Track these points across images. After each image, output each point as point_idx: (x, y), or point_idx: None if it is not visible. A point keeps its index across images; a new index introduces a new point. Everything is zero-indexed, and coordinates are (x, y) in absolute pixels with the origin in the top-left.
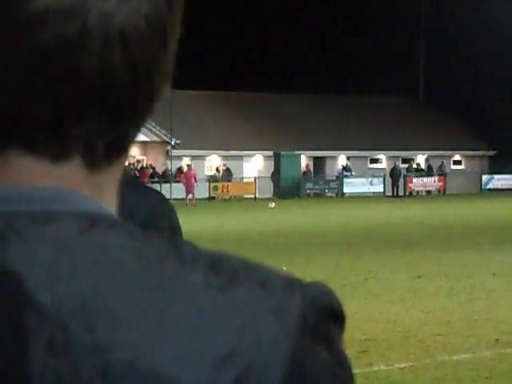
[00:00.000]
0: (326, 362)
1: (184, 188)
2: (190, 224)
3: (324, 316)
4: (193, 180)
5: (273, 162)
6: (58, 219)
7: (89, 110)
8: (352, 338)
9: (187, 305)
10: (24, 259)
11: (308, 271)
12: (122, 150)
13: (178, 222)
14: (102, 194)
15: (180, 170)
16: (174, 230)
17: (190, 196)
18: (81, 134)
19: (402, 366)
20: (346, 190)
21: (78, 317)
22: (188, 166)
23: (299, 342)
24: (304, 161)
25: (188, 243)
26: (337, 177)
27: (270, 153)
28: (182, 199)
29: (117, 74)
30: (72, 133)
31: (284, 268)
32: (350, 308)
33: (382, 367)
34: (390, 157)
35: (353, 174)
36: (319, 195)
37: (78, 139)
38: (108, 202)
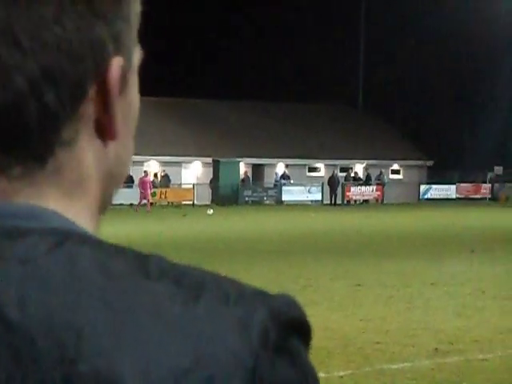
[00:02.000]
0: (288, 376)
1: (139, 194)
2: (130, 230)
3: (288, 329)
4: (148, 186)
5: (211, 169)
6: (29, 236)
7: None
8: None
9: (150, 318)
10: None
11: (247, 278)
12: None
13: None
14: (72, 206)
15: None
16: None
17: (144, 202)
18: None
19: (341, 373)
20: (284, 197)
21: (45, 330)
22: (144, 172)
23: (261, 356)
24: (243, 168)
25: (157, 257)
26: (275, 184)
27: (209, 159)
28: (121, 205)
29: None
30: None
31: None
32: None
33: (322, 374)
34: (329, 165)
35: (291, 181)
36: (258, 203)
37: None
38: (81, 215)
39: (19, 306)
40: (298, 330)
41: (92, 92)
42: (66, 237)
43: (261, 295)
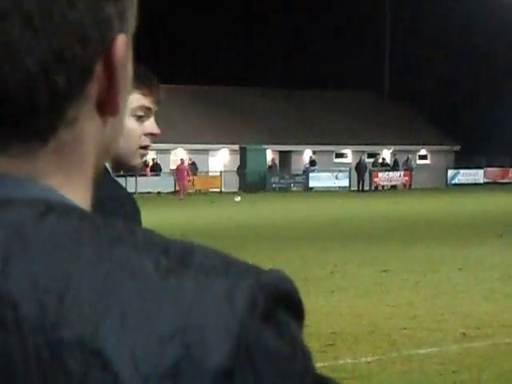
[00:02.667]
0: (274, 346)
1: (175, 181)
2: (157, 218)
3: (276, 301)
4: (184, 174)
5: (239, 156)
6: (14, 205)
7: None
8: (318, 332)
9: (135, 286)
10: None
11: (274, 265)
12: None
13: (135, 210)
14: (69, 183)
15: (145, 163)
16: (130, 217)
17: (183, 190)
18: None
19: (368, 359)
20: (311, 184)
21: (28, 296)
22: (181, 160)
23: (247, 324)
24: (270, 155)
25: (144, 229)
26: (304, 171)
27: (236, 147)
28: (148, 193)
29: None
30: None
31: (249, 262)
32: (316, 302)
33: (349, 360)
34: (356, 151)
35: (317, 168)
36: (285, 189)
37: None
38: (77, 192)
39: (2, 271)
40: (288, 304)
41: (98, 70)
42: (53, 207)
43: (251, 268)
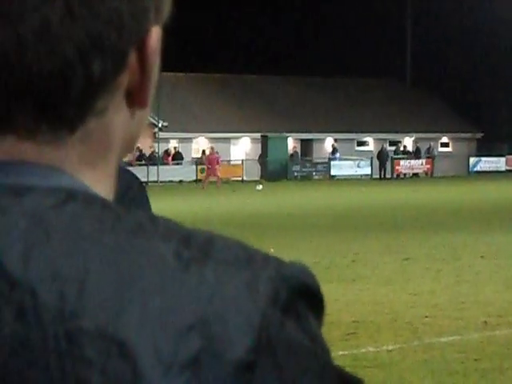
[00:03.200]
0: (296, 339)
1: (201, 170)
2: (179, 206)
3: (297, 293)
4: (215, 163)
5: (260, 145)
6: (35, 192)
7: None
8: (340, 320)
9: (156, 275)
10: None
11: (295, 253)
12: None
13: (147, 199)
14: (93, 173)
15: (167, 152)
16: (144, 206)
17: (213, 179)
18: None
19: (390, 347)
20: (333, 172)
21: (48, 284)
22: (211, 148)
23: (268, 315)
24: (291, 143)
25: (166, 218)
26: (329, 159)
27: (258, 135)
28: (170, 181)
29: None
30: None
31: (271, 250)
32: (337, 290)
33: (371, 349)
34: (377, 139)
35: (339, 156)
36: (307, 178)
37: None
38: (101, 183)
39: (22, 259)
40: (309, 297)
41: (131, 61)
42: (74, 195)
43: (272, 260)
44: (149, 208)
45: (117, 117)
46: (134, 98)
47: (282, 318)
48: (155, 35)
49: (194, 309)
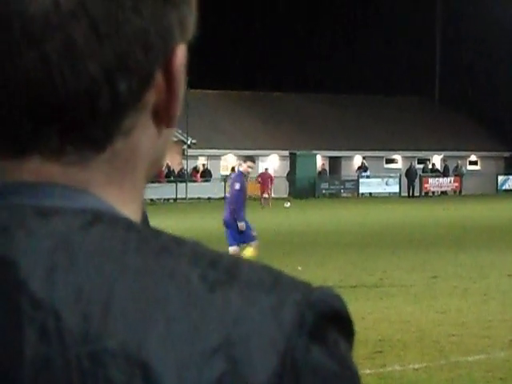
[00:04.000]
0: (322, 364)
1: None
2: (207, 223)
3: (325, 318)
4: (269, 181)
5: (288, 162)
6: (62, 214)
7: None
8: (366, 339)
9: (181, 297)
10: (25, 249)
11: (323, 271)
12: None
13: (146, 217)
14: (120, 194)
15: (195, 169)
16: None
17: (266, 196)
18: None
19: (416, 366)
20: (361, 190)
21: (71, 306)
22: (265, 169)
23: (294, 339)
24: (320, 161)
25: (193, 241)
26: (358, 176)
27: (286, 152)
28: (198, 198)
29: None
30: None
31: (299, 268)
32: (364, 308)
33: (397, 367)
34: (406, 157)
35: (368, 174)
36: (335, 195)
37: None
38: (128, 204)
39: (47, 280)
40: (338, 322)
41: (157, 79)
42: (101, 217)
43: (299, 284)
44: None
45: (144, 136)
46: (161, 117)
47: (308, 343)
48: (181, 53)
49: (219, 332)
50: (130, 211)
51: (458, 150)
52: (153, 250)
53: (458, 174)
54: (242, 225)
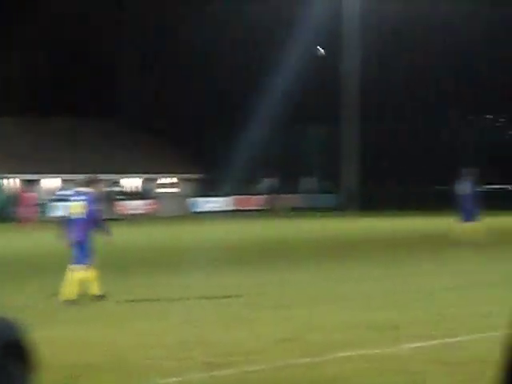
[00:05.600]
0: None
1: None
2: None
3: (3, 350)
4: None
5: None
6: None
7: None
8: (62, 364)
9: None
10: None
11: None
12: None
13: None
14: None
15: None
16: None
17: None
18: None
19: None
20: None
21: None
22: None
23: None
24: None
25: None
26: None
27: None
28: None
29: None
30: None
31: None
32: (60, 332)
33: None
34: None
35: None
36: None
37: None
38: None
39: None
40: (15, 351)
41: None
42: None
43: None
44: None
45: None
46: None
47: None
48: None
49: None
50: None
51: (154, 173)
52: None
53: (154, 197)
54: None
